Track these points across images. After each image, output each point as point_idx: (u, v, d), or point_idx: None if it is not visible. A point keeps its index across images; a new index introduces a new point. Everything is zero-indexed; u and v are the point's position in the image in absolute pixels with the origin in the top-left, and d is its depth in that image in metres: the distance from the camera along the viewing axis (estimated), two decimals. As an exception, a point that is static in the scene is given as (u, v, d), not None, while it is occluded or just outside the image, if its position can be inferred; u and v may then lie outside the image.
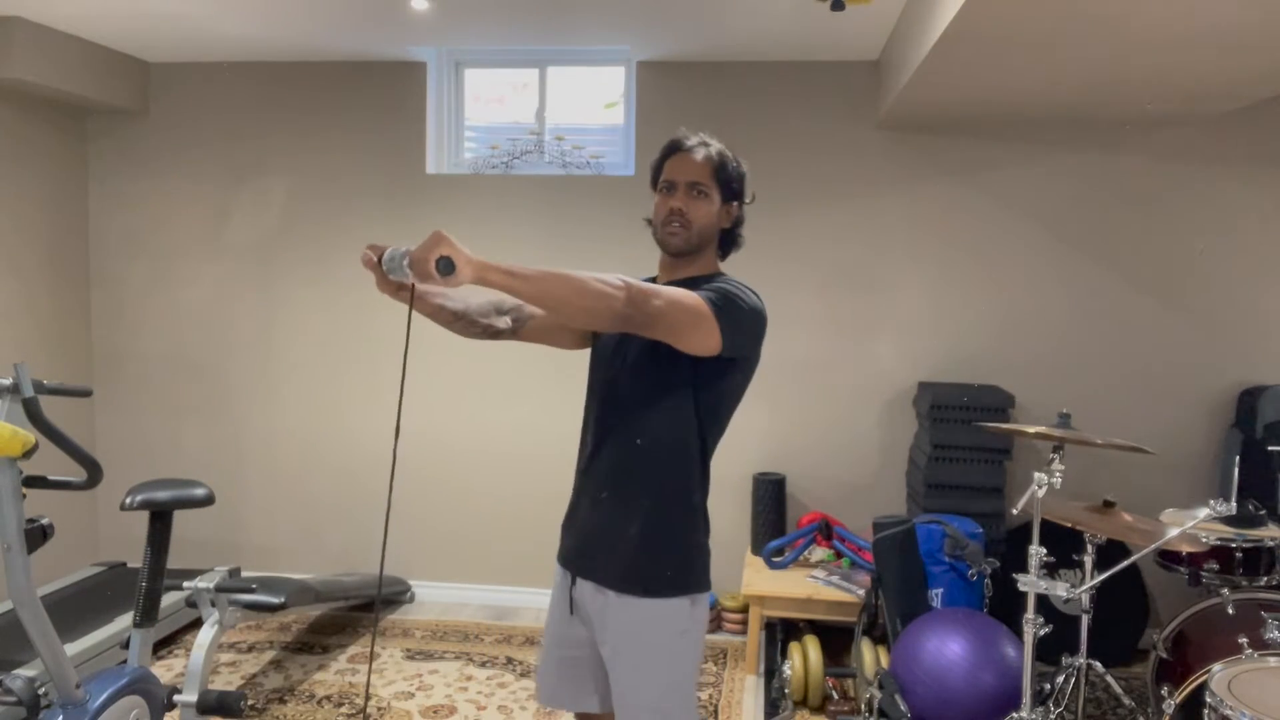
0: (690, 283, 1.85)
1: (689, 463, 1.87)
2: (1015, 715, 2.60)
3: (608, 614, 1.87)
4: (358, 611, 4.15)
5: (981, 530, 3.41)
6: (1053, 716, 2.73)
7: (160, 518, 2.65)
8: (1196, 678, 2.54)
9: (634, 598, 1.84)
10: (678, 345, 1.73)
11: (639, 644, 1.84)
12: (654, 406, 1.84)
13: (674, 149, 1.90)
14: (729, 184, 1.90)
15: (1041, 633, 2.56)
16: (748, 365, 1.89)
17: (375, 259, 1.60)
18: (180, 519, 4.24)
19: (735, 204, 1.93)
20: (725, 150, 1.91)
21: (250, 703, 3.24)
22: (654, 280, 1.96)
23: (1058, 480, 2.52)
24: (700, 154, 1.88)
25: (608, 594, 1.87)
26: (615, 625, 1.86)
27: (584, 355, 2.06)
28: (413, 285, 1.64)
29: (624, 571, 1.85)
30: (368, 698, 3.28)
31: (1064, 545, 3.42)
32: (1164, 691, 2.65)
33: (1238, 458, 3.23)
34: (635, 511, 1.85)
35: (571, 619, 1.96)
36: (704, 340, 1.73)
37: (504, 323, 1.92)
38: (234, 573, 4.08)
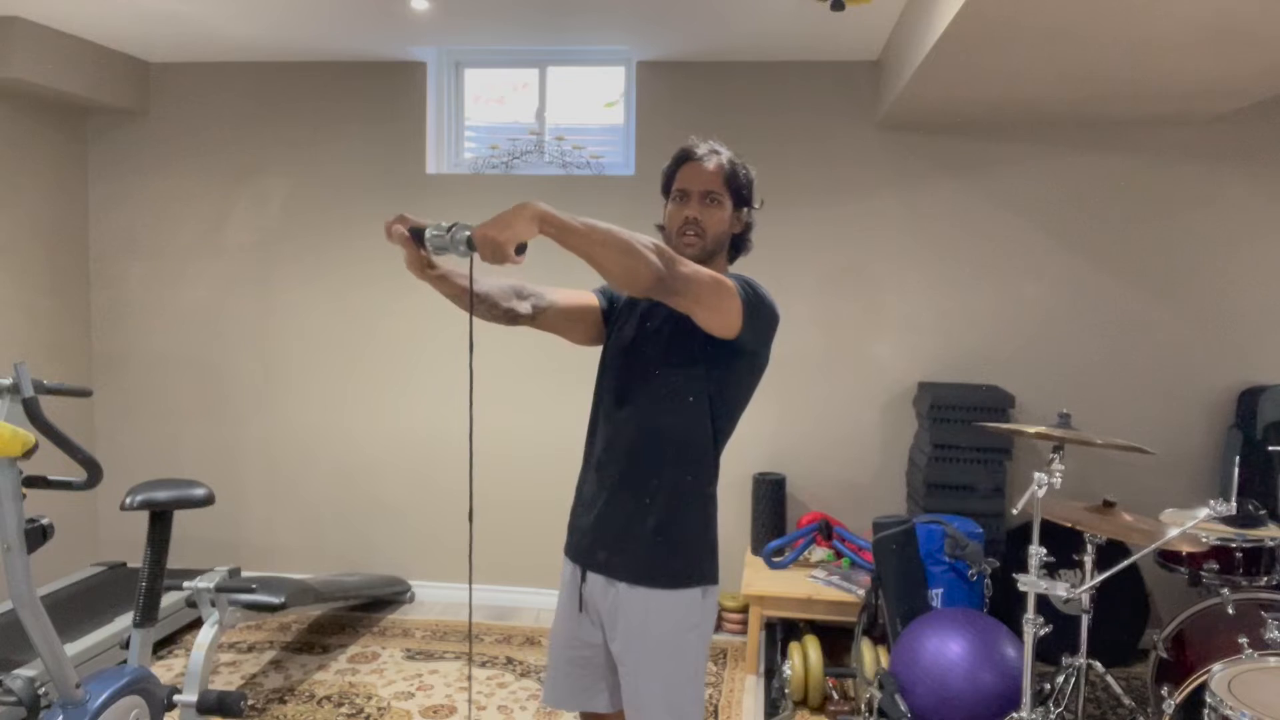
0: None
1: (703, 457, 1.90)
2: (1015, 715, 2.60)
3: (619, 608, 1.88)
4: (358, 611, 4.15)
5: (981, 530, 3.41)
6: (1053, 716, 2.73)
7: (160, 518, 2.65)
8: (1196, 678, 2.54)
9: (647, 589, 1.85)
10: (701, 319, 1.76)
11: (651, 637, 1.85)
12: (670, 405, 1.87)
13: (685, 158, 1.94)
14: (739, 190, 1.94)
15: (1041, 633, 2.56)
16: (758, 362, 1.92)
17: (406, 233, 1.57)
18: (180, 519, 4.23)
19: (745, 210, 1.96)
20: (735, 157, 1.95)
21: (250, 703, 3.24)
22: None
23: (1058, 480, 2.52)
24: (712, 162, 1.91)
25: (619, 586, 1.87)
26: (627, 618, 1.87)
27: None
28: (471, 261, 1.55)
29: (638, 564, 1.86)
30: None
31: (1064, 545, 3.42)
32: (1164, 691, 2.65)
33: (1238, 458, 3.23)
34: (652, 505, 1.86)
35: (580, 617, 1.97)
36: (726, 317, 1.77)
37: (525, 308, 1.92)
38: (234, 573, 4.08)
